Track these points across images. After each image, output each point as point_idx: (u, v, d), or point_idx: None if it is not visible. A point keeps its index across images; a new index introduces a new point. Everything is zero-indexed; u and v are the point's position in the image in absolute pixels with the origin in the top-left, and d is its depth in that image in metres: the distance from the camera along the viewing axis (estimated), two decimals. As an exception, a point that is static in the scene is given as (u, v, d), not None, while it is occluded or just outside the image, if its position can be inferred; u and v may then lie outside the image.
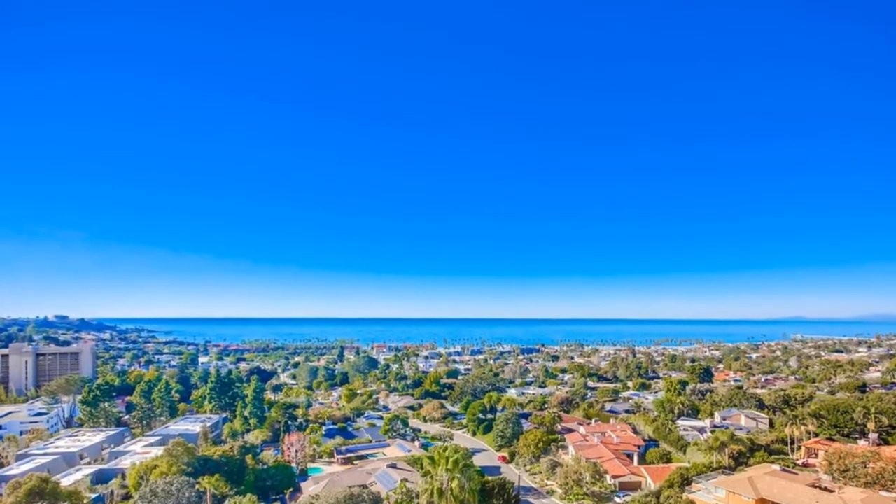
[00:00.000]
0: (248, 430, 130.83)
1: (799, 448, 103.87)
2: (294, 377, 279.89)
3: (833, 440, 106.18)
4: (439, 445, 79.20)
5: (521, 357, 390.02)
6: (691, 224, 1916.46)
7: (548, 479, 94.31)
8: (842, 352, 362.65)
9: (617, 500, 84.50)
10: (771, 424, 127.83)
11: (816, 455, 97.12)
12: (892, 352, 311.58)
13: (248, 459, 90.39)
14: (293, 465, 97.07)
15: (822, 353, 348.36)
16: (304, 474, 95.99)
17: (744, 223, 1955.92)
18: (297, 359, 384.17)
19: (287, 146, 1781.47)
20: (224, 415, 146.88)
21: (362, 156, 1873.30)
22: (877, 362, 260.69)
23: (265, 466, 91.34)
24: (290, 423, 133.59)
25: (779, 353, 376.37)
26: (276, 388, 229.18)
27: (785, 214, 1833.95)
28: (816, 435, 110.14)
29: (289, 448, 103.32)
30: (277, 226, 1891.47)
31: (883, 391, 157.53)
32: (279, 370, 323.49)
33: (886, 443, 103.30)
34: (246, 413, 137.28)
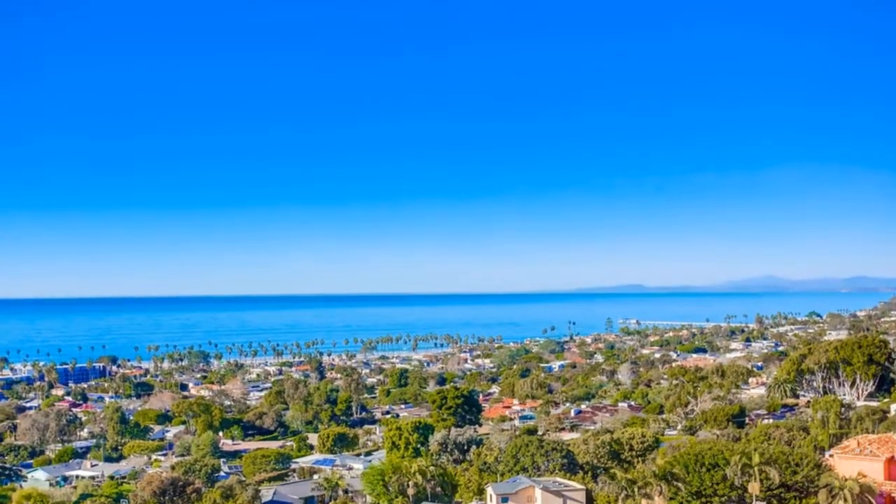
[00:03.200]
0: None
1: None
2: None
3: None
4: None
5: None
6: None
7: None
8: (704, 350, 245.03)
9: None
10: (590, 499, 75.11)
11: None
12: (780, 346, 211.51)
13: None
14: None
15: (673, 354, 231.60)
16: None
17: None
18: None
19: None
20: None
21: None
22: (759, 367, 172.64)
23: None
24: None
25: (599, 355, 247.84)
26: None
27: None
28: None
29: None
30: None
31: (770, 421, 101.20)
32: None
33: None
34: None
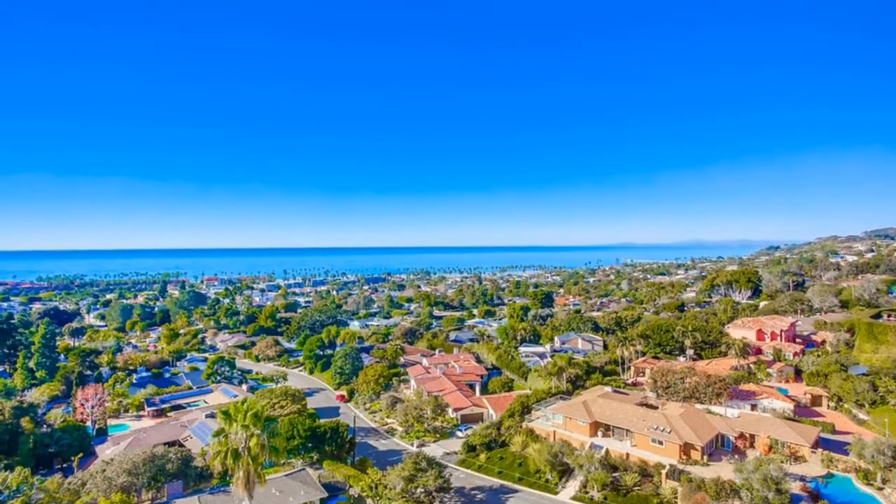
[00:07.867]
0: (34, 385, 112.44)
1: (629, 368, 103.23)
2: (103, 318, 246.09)
3: (658, 358, 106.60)
4: (241, 399, 69.72)
5: (365, 287, 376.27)
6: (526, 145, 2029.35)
7: (388, 416, 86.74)
8: (664, 274, 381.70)
9: (458, 433, 78.95)
10: (605, 346, 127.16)
11: (644, 373, 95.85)
12: (703, 273, 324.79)
13: (25, 422, 75.59)
14: (88, 423, 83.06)
15: (649, 277, 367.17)
16: (102, 434, 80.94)
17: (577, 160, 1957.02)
18: (108, 296, 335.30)
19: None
20: (0, 368, 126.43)
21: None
22: (692, 283, 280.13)
23: (50, 429, 76.25)
24: (88, 372, 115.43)
25: (612, 276, 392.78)
26: (77, 333, 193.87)
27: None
28: (644, 354, 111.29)
29: (82, 404, 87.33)
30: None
31: (697, 309, 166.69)
32: (84, 310, 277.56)
33: (700, 357, 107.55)
34: (31, 364, 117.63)
